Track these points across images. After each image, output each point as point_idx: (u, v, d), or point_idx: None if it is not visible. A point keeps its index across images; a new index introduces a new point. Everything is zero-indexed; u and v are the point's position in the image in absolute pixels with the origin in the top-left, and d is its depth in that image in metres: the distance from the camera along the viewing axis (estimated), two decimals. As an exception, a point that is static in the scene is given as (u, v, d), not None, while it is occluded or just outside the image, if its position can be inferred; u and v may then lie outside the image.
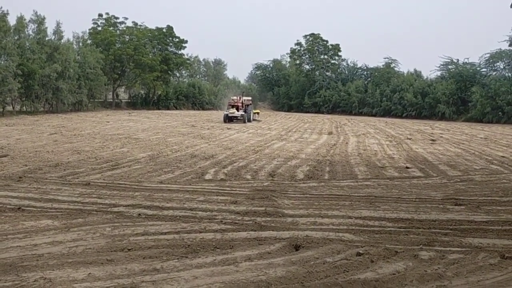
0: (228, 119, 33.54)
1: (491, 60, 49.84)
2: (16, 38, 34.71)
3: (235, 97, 36.50)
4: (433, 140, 24.10)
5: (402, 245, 6.07)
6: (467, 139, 25.47)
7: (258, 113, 39.78)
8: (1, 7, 32.49)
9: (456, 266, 5.35)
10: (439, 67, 55.32)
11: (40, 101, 36.94)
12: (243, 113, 34.22)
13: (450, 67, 53.96)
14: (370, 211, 8.03)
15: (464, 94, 48.87)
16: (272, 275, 5.00)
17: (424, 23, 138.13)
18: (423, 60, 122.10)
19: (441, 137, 26.44)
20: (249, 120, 34.69)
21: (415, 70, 59.18)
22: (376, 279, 4.90)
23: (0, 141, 17.43)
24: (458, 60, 53.52)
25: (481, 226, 7.16)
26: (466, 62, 52.63)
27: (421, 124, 39.38)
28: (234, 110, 34.04)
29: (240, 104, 34.88)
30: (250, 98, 39.64)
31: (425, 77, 57.35)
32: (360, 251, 5.70)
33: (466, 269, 5.24)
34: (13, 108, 34.97)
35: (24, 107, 35.76)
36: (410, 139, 24.50)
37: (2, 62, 32.07)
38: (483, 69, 51.15)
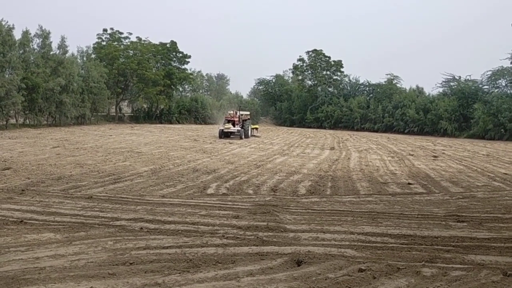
0: (224, 134, 31.83)
1: (493, 78, 50.10)
2: (21, 52, 35.08)
3: (231, 112, 35.22)
4: (435, 156, 24.08)
5: (405, 262, 6.05)
6: (469, 155, 25.44)
7: (256, 128, 38.18)
8: (7, 22, 32.86)
9: (458, 283, 5.32)
10: (441, 83, 55.79)
11: (44, 115, 37.17)
12: (240, 128, 32.52)
13: (452, 84, 54.24)
14: (372, 227, 8.01)
15: (466, 111, 48.96)
16: (274, 290, 4.99)
17: (426, 40, 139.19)
18: (425, 77, 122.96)
19: (443, 153, 26.42)
20: (246, 136, 32.89)
21: (417, 87, 59.50)
22: (378, 296, 4.89)
23: (3, 154, 17.49)
24: (460, 77, 53.91)
25: (483, 243, 7.14)
26: (468, 79, 52.97)
27: (423, 140, 39.40)
28: (230, 125, 32.39)
29: (236, 119, 33.24)
30: (248, 113, 38.26)
31: (427, 94, 57.66)
32: (362, 267, 5.69)
33: (469, 286, 5.22)
34: (17, 121, 35.13)
35: (28, 120, 35.97)
36: (412, 155, 24.49)
37: (7, 76, 32.32)
38: (485, 86, 51.43)
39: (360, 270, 5.61)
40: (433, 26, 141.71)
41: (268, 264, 5.86)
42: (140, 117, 53.57)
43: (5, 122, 32.89)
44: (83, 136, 29.10)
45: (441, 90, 55.86)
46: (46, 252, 6.07)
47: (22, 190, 10.36)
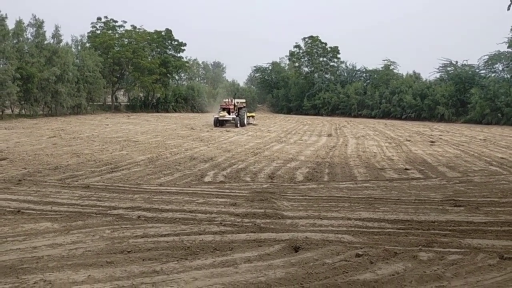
0: (219, 123, 31.46)
1: (489, 62, 49.95)
2: (15, 41, 34.75)
3: (226, 100, 34.73)
4: (432, 141, 24.12)
5: (401, 246, 6.08)
6: (466, 140, 25.49)
7: (253, 116, 37.51)
8: (0, 11, 32.54)
9: (455, 267, 5.36)
10: (438, 69, 55.58)
11: (39, 105, 36.95)
12: (235, 116, 32.12)
13: (449, 69, 54.09)
14: (369, 212, 8.04)
15: (463, 96, 48.92)
16: (271, 276, 5.01)
17: (423, 25, 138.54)
18: (422, 62, 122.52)
19: (440, 138, 26.47)
20: (242, 124, 32.40)
21: (414, 72, 59.34)
22: (375, 280, 4.91)
23: (0, 144, 17.43)
24: (457, 62, 53.70)
25: (480, 227, 7.17)
26: (465, 64, 52.78)
27: (420, 126, 39.44)
28: (225, 113, 32.01)
29: (232, 107, 32.78)
30: (243, 100, 37.70)
31: (424, 79, 57.53)
32: (360, 253, 5.71)
33: (465, 270, 5.25)
34: (12, 111, 34.97)
35: (23, 111, 35.80)
36: (409, 140, 24.52)
37: (1, 66, 32.13)
38: (482, 71, 51.29)
39: (357, 255, 5.64)
40: (430, 11, 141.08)
41: (266, 250, 5.88)
42: (137, 106, 53.37)
43: (0, 113, 32.76)
44: (80, 125, 29.01)
45: (438, 75, 55.82)
46: (44, 242, 6.07)
47: (19, 180, 10.33)
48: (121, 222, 7.12)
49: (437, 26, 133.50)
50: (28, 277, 4.86)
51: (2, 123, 28.57)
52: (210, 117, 33.73)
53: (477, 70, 51.40)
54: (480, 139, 26.29)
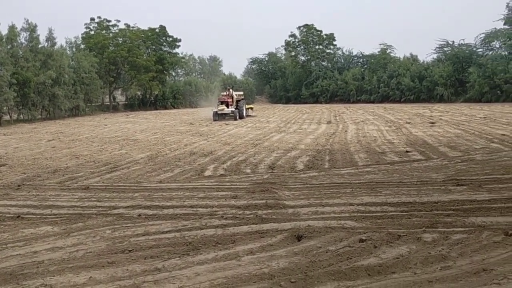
0: (218, 116, 31.23)
1: (486, 40, 49.74)
2: (9, 47, 34.58)
3: (224, 93, 34.55)
4: (432, 122, 24.02)
5: (405, 229, 6.02)
6: (467, 119, 25.38)
7: (251, 108, 37.65)
8: (-9, 18, 32.38)
9: (460, 246, 5.29)
10: (435, 50, 55.37)
11: (37, 109, 36.83)
12: (234, 109, 32.02)
13: (446, 49, 53.88)
14: (371, 197, 7.98)
15: (462, 75, 48.74)
16: (275, 267, 4.95)
17: (417, 6, 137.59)
18: (419, 44, 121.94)
19: (441, 119, 26.36)
20: (241, 117, 32.32)
21: (411, 55, 59.06)
22: (379, 265, 4.85)
23: (-1, 151, 17.37)
24: (453, 41, 53.52)
25: (483, 205, 7.11)
26: (461, 43, 52.64)
27: (419, 108, 39.30)
28: (223, 106, 31.80)
29: (230, 100, 32.62)
30: (241, 93, 37.43)
31: (421, 61, 57.31)
32: (363, 238, 5.65)
33: (470, 249, 5.19)
34: (10, 117, 34.88)
35: (21, 116, 35.67)
36: (409, 123, 24.42)
37: (-4, 72, 31.96)
38: (479, 49, 51.13)
39: (361, 241, 5.57)
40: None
41: (268, 241, 5.82)
42: (135, 105, 53.23)
43: (-2, 119, 32.72)
44: (78, 127, 28.93)
45: (435, 56, 55.61)
46: (44, 246, 6.01)
47: (18, 186, 10.27)
48: (122, 222, 7.06)
49: (430, 6, 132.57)
50: (29, 283, 4.80)
51: (1, 129, 28.48)
52: (209, 111, 33.58)
53: (474, 49, 51.24)
54: (480, 117, 26.19)
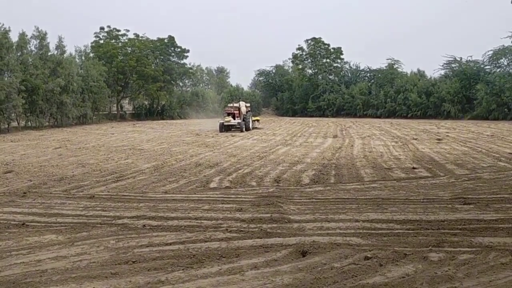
0: (224, 128, 31.35)
1: (494, 57, 49.64)
2: (18, 54, 34.97)
3: (231, 104, 34.65)
4: (439, 139, 23.92)
5: (411, 247, 5.95)
6: (474, 137, 25.26)
7: (258, 120, 37.61)
8: (3, 24, 32.72)
9: (466, 266, 5.23)
10: (442, 66, 55.26)
11: (45, 116, 37.06)
12: (240, 121, 32.03)
13: (453, 65, 53.81)
14: (377, 213, 7.92)
15: (469, 92, 48.60)
16: (278, 283, 4.91)
17: (425, 22, 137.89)
18: (426, 60, 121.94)
19: (447, 136, 26.25)
20: (247, 129, 32.28)
21: (419, 70, 59.03)
22: (385, 283, 4.80)
23: (5, 157, 17.47)
24: (461, 58, 53.38)
25: (491, 225, 7.03)
26: (469, 60, 52.50)
27: (426, 124, 39.19)
28: (230, 118, 31.88)
29: (237, 112, 32.64)
30: (248, 104, 37.38)
31: (428, 77, 57.22)
32: (368, 255, 5.59)
33: (477, 270, 5.12)
34: (18, 124, 35.10)
35: (29, 123, 35.92)
36: (416, 139, 24.34)
37: (6, 79, 32.21)
38: (487, 66, 50.95)
39: (366, 258, 5.52)
40: (431, 8, 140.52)
41: (273, 256, 5.78)
42: (142, 114, 53.48)
43: (6, 126, 32.88)
44: (85, 135, 29.08)
45: (442, 72, 55.48)
46: (48, 254, 6.00)
47: (24, 193, 10.30)
48: (126, 232, 7.05)
49: (439, 23, 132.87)
50: (32, 291, 4.79)
51: (9, 136, 28.68)
52: (215, 123, 33.68)
53: (482, 66, 51.10)
54: (488, 135, 26.06)
